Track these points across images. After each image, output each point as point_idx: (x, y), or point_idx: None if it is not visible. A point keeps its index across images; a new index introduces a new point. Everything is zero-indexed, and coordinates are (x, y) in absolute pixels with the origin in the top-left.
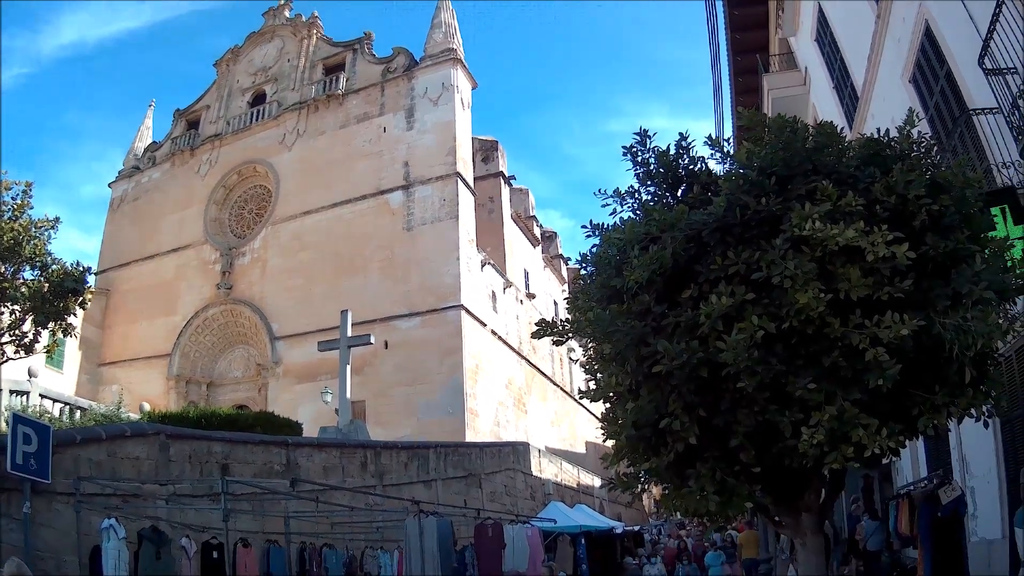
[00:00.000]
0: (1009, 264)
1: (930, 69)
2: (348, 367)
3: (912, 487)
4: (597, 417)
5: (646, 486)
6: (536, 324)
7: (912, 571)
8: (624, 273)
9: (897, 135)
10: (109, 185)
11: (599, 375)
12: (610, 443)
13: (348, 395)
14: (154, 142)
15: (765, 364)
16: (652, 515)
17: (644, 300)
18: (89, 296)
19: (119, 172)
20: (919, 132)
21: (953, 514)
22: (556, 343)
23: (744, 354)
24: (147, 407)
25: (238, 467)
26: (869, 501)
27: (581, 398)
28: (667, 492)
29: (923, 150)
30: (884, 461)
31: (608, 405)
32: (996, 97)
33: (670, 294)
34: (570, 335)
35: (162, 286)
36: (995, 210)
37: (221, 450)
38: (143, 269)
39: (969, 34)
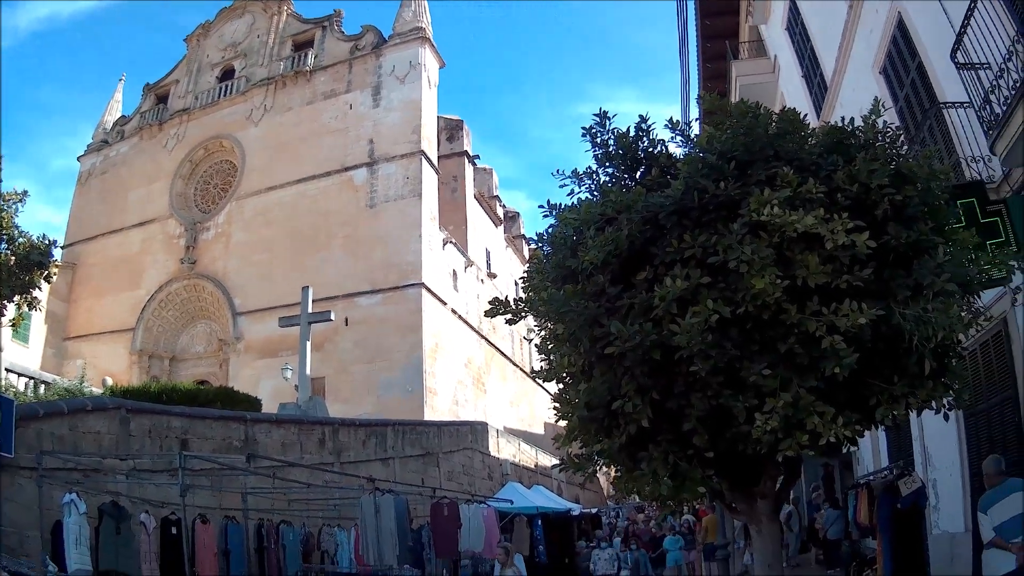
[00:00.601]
0: (973, 258)
1: (901, 61)
2: (308, 343)
3: (872, 477)
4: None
5: (598, 467)
6: (490, 302)
7: (871, 561)
8: (579, 253)
9: (862, 124)
10: (78, 159)
11: (552, 355)
12: (563, 423)
13: (308, 371)
14: (123, 116)
15: (719, 348)
16: (610, 498)
17: (599, 281)
18: (55, 270)
19: (88, 146)
20: (885, 122)
21: (913, 506)
22: (509, 322)
23: (698, 337)
24: (110, 381)
25: (197, 442)
26: (830, 490)
27: (534, 378)
28: (620, 474)
29: (888, 140)
30: (844, 451)
31: (561, 386)
32: (968, 91)
33: (625, 276)
34: (524, 314)
35: (127, 260)
36: (963, 203)
37: (180, 425)
38: (109, 243)
39: (942, 27)
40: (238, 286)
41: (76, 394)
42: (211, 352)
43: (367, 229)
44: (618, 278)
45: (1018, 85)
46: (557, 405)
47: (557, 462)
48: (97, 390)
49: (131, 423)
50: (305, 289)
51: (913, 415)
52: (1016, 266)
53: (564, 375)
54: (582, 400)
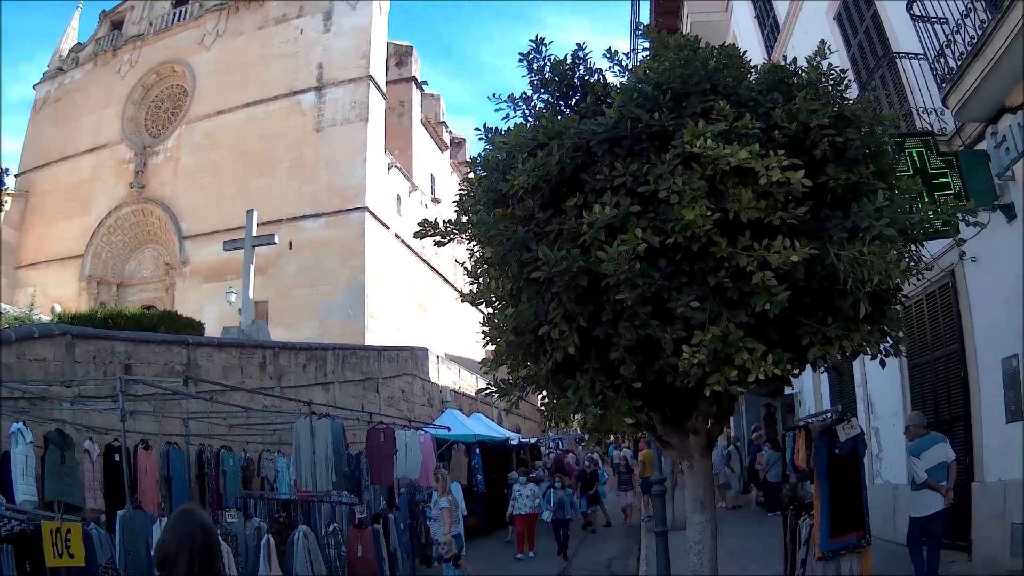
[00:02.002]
0: (918, 206)
1: (856, 9)
2: (252, 267)
3: (810, 420)
4: None
5: (525, 394)
6: (419, 224)
7: (810, 506)
8: (509, 177)
9: (806, 64)
10: (34, 87)
11: (480, 279)
12: (492, 348)
13: (251, 295)
14: (79, 43)
15: (647, 278)
16: (552, 429)
17: (528, 205)
18: (7, 198)
19: (44, 74)
20: (831, 64)
21: (852, 452)
22: (438, 244)
23: (625, 266)
24: (59, 308)
25: (140, 367)
26: (772, 431)
27: (462, 301)
28: (547, 402)
29: (832, 82)
30: (787, 391)
31: (490, 310)
32: (922, 44)
33: (555, 202)
34: (452, 237)
35: (78, 186)
36: (912, 151)
37: (124, 350)
38: (61, 170)
39: None
40: (185, 210)
41: (25, 322)
42: (158, 277)
43: (313, 153)
44: (548, 204)
45: (976, 41)
46: (485, 329)
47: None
48: (47, 318)
49: (76, 349)
50: (250, 212)
51: (856, 362)
52: (961, 218)
53: (492, 299)
54: (509, 325)
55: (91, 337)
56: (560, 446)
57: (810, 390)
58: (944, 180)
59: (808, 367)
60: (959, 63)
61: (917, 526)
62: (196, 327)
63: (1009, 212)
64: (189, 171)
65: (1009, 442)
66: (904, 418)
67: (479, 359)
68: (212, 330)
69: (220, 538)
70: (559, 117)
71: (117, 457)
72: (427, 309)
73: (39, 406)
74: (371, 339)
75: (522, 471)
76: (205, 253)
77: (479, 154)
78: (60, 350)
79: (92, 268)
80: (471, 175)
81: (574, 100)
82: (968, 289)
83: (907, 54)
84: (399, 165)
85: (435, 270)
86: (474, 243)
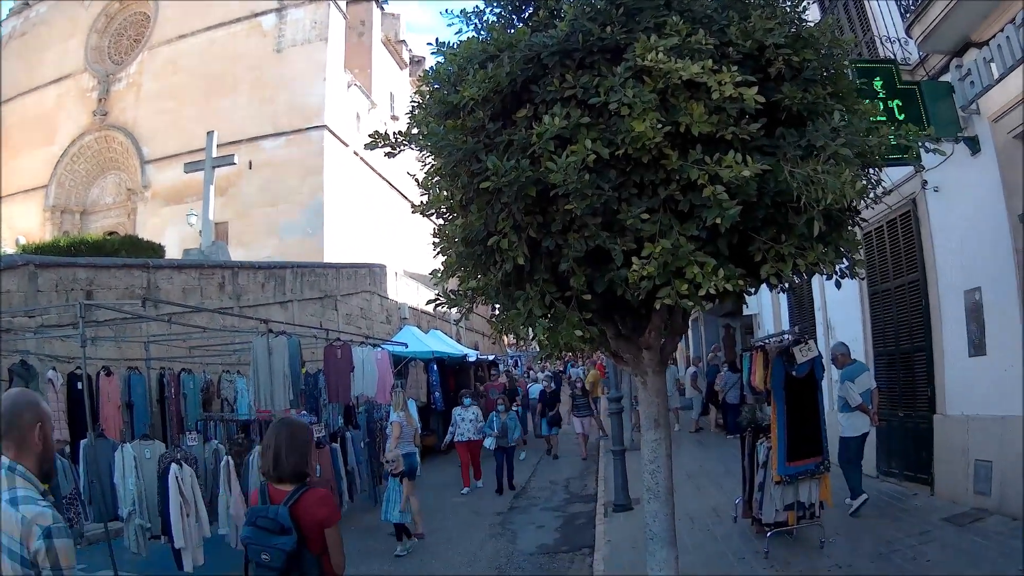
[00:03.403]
0: (876, 128)
1: None
2: (212, 188)
3: (767, 340)
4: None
5: (475, 305)
6: (370, 135)
7: (767, 428)
8: (459, 89)
9: None
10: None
11: (431, 190)
12: (443, 259)
13: (211, 216)
14: None
15: (596, 189)
16: (511, 346)
17: (479, 117)
18: None
19: (10, 10)
20: None
21: (809, 375)
22: (388, 155)
23: (574, 176)
24: (23, 240)
25: (102, 292)
26: (731, 353)
27: (413, 212)
28: (497, 314)
29: (791, 3)
30: (747, 312)
31: (441, 222)
32: None
33: (506, 113)
34: (402, 148)
35: (43, 117)
36: (874, 75)
37: (86, 276)
38: (26, 102)
39: None
40: (147, 135)
41: None
42: (120, 203)
43: (274, 73)
44: (499, 115)
45: None
46: (436, 240)
47: (433, 297)
48: (11, 250)
49: (39, 278)
50: (210, 134)
51: (816, 286)
52: (920, 144)
53: (442, 210)
54: (459, 235)
55: (53, 266)
56: (519, 363)
57: (769, 312)
58: (907, 106)
59: (764, 286)
60: None
61: (853, 445)
62: (157, 250)
63: (973, 145)
64: (151, 96)
65: (972, 376)
66: (864, 344)
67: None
68: (174, 253)
69: (308, 439)
70: (510, 30)
71: (80, 385)
72: (387, 226)
73: (3, 339)
74: (330, 257)
75: (465, 392)
76: (166, 176)
77: (431, 68)
78: (23, 281)
79: (56, 198)
80: (423, 88)
81: (526, 14)
82: (930, 219)
83: None
84: (359, 84)
85: (394, 187)
86: (425, 154)
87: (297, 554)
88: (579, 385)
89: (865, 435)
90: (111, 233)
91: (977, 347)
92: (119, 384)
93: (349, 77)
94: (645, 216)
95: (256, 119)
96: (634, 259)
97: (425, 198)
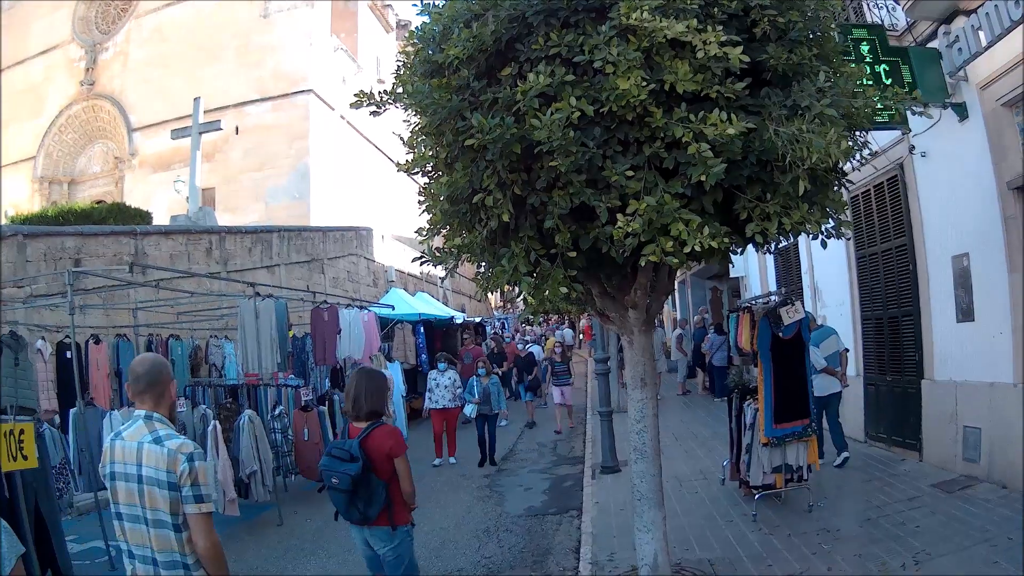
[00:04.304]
0: (862, 90)
1: None
2: (199, 153)
3: (754, 301)
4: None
5: (460, 262)
6: (355, 94)
7: (755, 391)
8: (444, 48)
9: None
10: None
11: (416, 148)
12: (428, 217)
13: (198, 182)
14: None
15: (581, 146)
16: (498, 308)
17: (464, 76)
18: None
19: None
20: None
21: (796, 336)
22: (373, 114)
23: (558, 133)
24: (12, 211)
25: (90, 261)
26: (718, 315)
27: (399, 171)
28: (482, 271)
29: None
30: (733, 275)
31: (426, 180)
32: None
33: (491, 72)
34: (387, 106)
35: (31, 90)
36: (864, 48)
37: (74, 245)
38: (14, 76)
39: None
40: (134, 103)
41: None
42: (107, 171)
43: (260, 39)
44: (484, 74)
45: None
46: (421, 198)
47: (417, 255)
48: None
49: (28, 248)
50: (197, 100)
51: (803, 248)
52: (906, 108)
53: (427, 167)
54: (444, 193)
55: (41, 235)
56: (506, 325)
57: (756, 274)
58: (894, 72)
59: (750, 247)
60: None
61: (822, 402)
62: (144, 217)
63: (961, 111)
64: (138, 65)
65: (960, 342)
66: (852, 308)
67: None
68: (162, 220)
69: (383, 385)
70: None
71: (69, 354)
72: (374, 190)
73: None
74: (317, 221)
75: (442, 355)
76: (154, 144)
77: (416, 27)
78: (12, 251)
79: (44, 169)
80: (408, 48)
81: None
82: (918, 183)
83: None
84: (345, 48)
85: (381, 151)
86: (411, 113)
87: (363, 478)
88: (557, 350)
89: (836, 394)
90: (99, 202)
91: (965, 313)
92: (108, 352)
93: (335, 41)
94: (630, 173)
95: (243, 85)
96: (619, 216)
97: (411, 157)
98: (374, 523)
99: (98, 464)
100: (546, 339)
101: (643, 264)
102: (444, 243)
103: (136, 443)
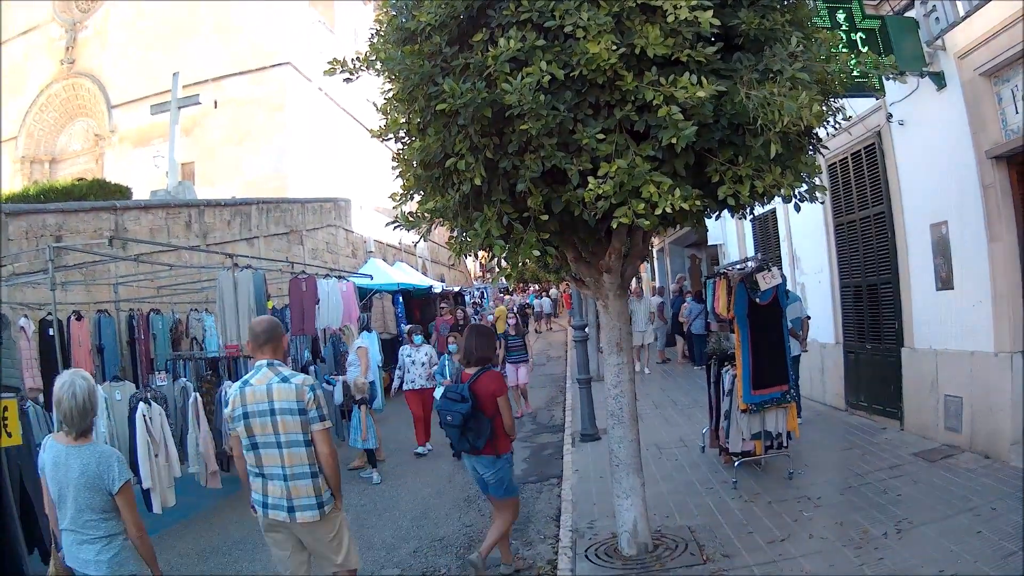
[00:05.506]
0: (835, 56)
1: None
2: (177, 127)
3: (730, 267)
4: None
5: (434, 227)
6: (328, 62)
7: (732, 358)
8: (416, 15)
9: None
10: None
11: (388, 114)
12: (401, 183)
13: (177, 157)
14: None
15: (552, 109)
16: (477, 278)
17: (436, 42)
18: None
19: None
20: None
21: (773, 301)
22: (347, 81)
23: (529, 96)
24: None
25: (71, 237)
26: (697, 284)
27: (372, 137)
28: (455, 235)
29: None
30: (712, 243)
31: (400, 146)
32: None
33: (463, 38)
34: (359, 73)
35: (12, 71)
36: (840, 16)
37: (55, 221)
38: None
39: None
40: (114, 79)
41: None
42: (88, 148)
43: (238, 12)
44: (455, 40)
45: None
46: (395, 164)
47: (391, 220)
48: None
49: (10, 227)
50: (175, 75)
51: (780, 215)
52: (881, 73)
53: (400, 133)
54: (417, 158)
55: (22, 213)
56: (485, 295)
57: (734, 241)
58: (870, 42)
59: (727, 213)
60: None
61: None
62: (124, 192)
63: (938, 80)
64: (117, 42)
65: (940, 310)
66: (831, 276)
67: (406, 209)
68: (142, 195)
69: (491, 337)
70: None
71: (52, 331)
72: (352, 161)
73: None
74: (295, 193)
75: (415, 328)
76: (133, 120)
77: None
78: None
79: (26, 148)
80: (380, 16)
81: None
82: (895, 151)
83: None
84: (323, 20)
85: (359, 122)
86: (384, 79)
87: (472, 416)
88: (511, 321)
89: (795, 357)
90: (80, 179)
91: (944, 281)
92: (89, 327)
93: (314, 14)
94: (601, 136)
95: (221, 59)
96: (590, 179)
97: (384, 123)
98: (481, 452)
99: None
100: (496, 307)
101: (616, 227)
102: (417, 208)
103: (264, 386)
